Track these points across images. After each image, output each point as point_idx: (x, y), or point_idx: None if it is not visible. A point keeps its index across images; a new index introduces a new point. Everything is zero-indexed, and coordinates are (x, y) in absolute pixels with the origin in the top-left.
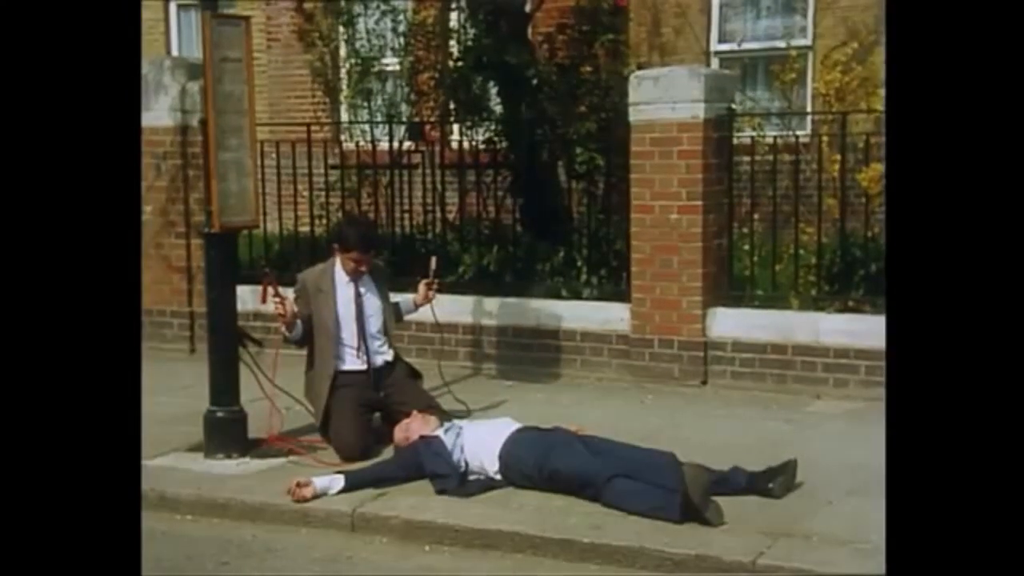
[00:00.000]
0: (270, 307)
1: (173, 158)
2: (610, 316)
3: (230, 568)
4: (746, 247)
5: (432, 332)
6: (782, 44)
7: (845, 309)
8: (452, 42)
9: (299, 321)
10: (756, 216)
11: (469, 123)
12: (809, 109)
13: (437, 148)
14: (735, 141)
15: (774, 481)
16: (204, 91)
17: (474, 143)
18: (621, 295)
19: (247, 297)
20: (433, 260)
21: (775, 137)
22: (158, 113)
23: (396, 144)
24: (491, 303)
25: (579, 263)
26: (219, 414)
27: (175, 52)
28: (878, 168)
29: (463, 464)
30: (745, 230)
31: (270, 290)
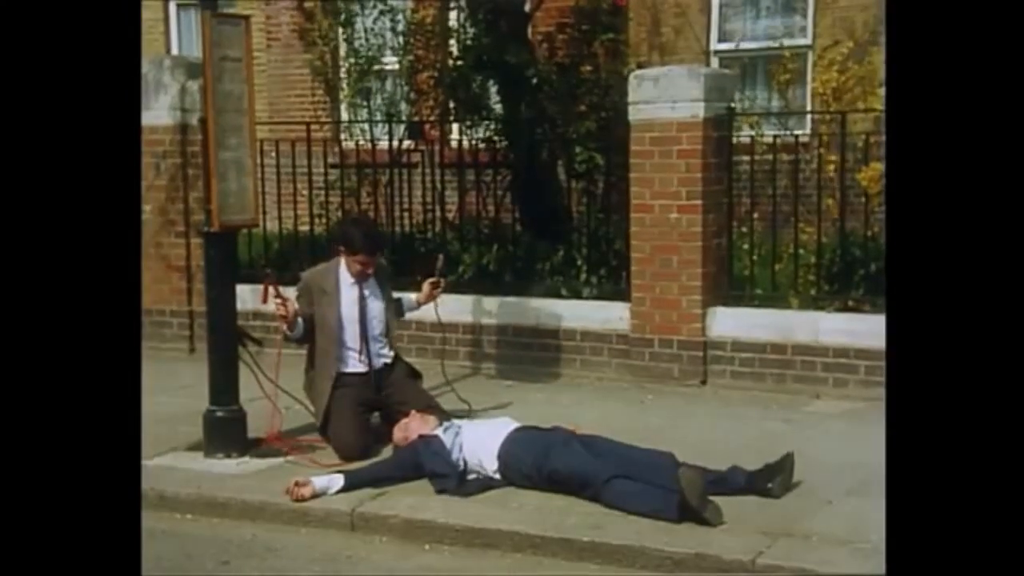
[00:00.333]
0: (271, 307)
1: (173, 157)
2: (610, 315)
3: (230, 567)
4: (746, 247)
5: (432, 332)
6: (781, 44)
7: (845, 309)
8: (452, 41)
9: (300, 320)
10: (756, 215)
11: (469, 122)
12: (808, 108)
13: (437, 147)
14: (735, 140)
15: (773, 480)
16: (204, 90)
17: (474, 142)
18: (621, 294)
19: (247, 296)
20: (440, 258)
21: (774, 136)
22: (158, 112)
23: (396, 143)
24: (491, 302)
25: (579, 262)
26: (219, 413)
27: (175, 51)
28: (878, 167)
29: (462, 463)
30: (745, 229)
31: (271, 290)
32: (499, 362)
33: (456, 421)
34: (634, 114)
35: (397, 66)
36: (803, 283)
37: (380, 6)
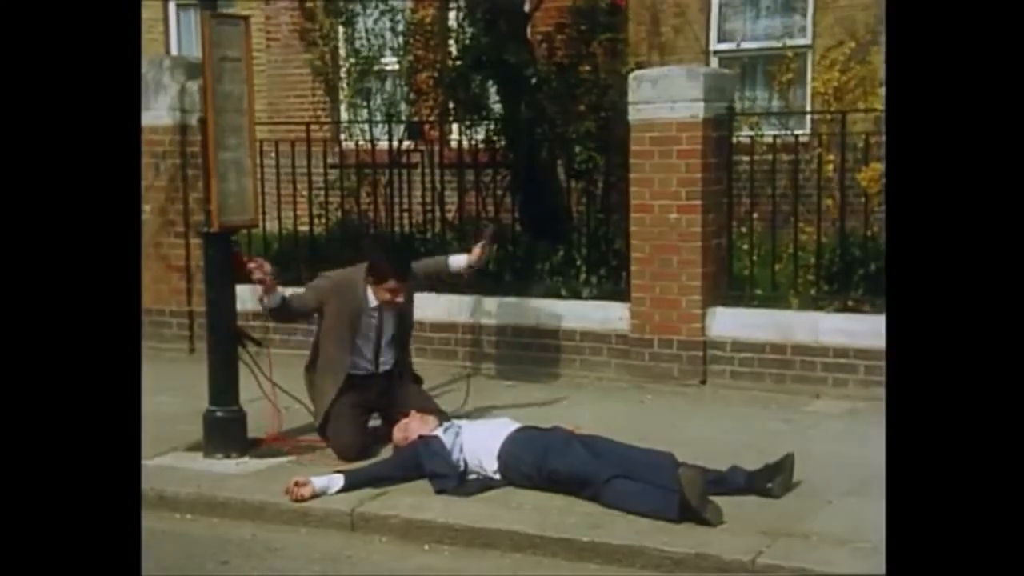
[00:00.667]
0: (254, 275)
1: (172, 157)
2: (609, 315)
3: (230, 567)
4: (745, 247)
5: (433, 332)
6: (781, 44)
7: (844, 309)
8: (451, 41)
9: (281, 292)
10: (755, 215)
11: (468, 122)
12: (808, 108)
13: (436, 147)
14: (734, 140)
15: (773, 480)
16: (203, 90)
17: (473, 142)
18: (620, 294)
19: (246, 296)
20: (491, 228)
21: (774, 136)
22: (157, 112)
23: (395, 143)
24: (490, 302)
25: (578, 262)
26: (218, 414)
27: (174, 51)
28: (877, 167)
29: (462, 464)
30: (744, 229)
31: (245, 261)
32: (499, 362)
33: (456, 421)
34: (634, 114)
35: (397, 66)
36: (803, 283)
37: (380, 6)
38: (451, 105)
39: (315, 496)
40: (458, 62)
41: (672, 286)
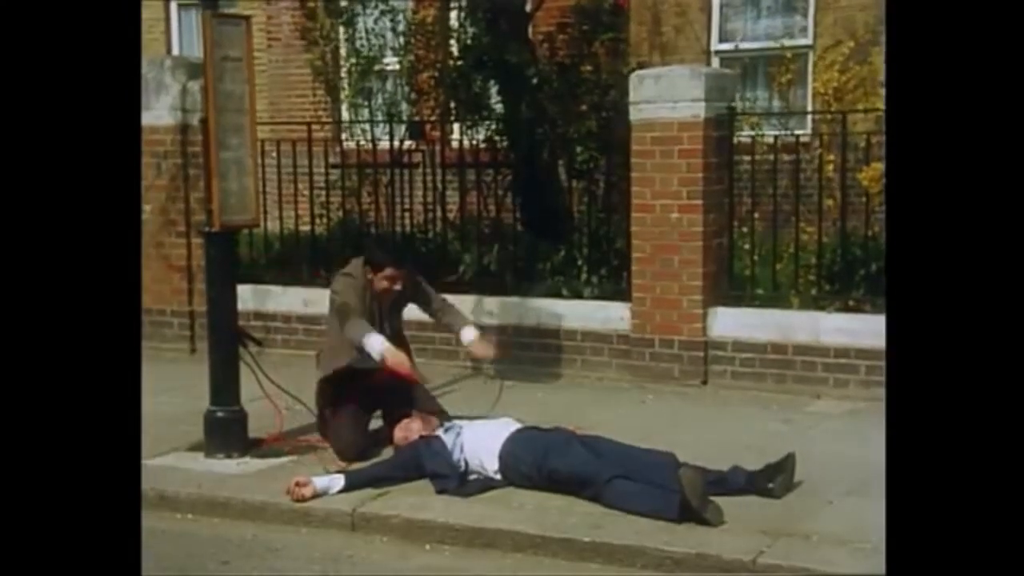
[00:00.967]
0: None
1: (173, 157)
2: (610, 315)
3: (230, 567)
4: (746, 246)
5: (433, 332)
6: (782, 44)
7: (845, 308)
8: (452, 41)
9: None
10: (756, 215)
11: (469, 122)
12: (809, 108)
13: (437, 147)
14: (735, 140)
15: (774, 480)
16: (205, 90)
17: (474, 142)
18: (621, 294)
19: (247, 296)
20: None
21: (775, 136)
22: (158, 112)
23: (396, 143)
24: (491, 302)
25: (580, 262)
26: (219, 413)
27: (175, 51)
28: (878, 167)
29: (463, 464)
30: (745, 229)
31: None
32: (499, 362)
33: (457, 422)
34: (635, 114)
35: (398, 66)
36: (804, 283)
37: (381, 6)
38: (452, 105)
39: (316, 496)
40: (459, 62)
41: (673, 286)
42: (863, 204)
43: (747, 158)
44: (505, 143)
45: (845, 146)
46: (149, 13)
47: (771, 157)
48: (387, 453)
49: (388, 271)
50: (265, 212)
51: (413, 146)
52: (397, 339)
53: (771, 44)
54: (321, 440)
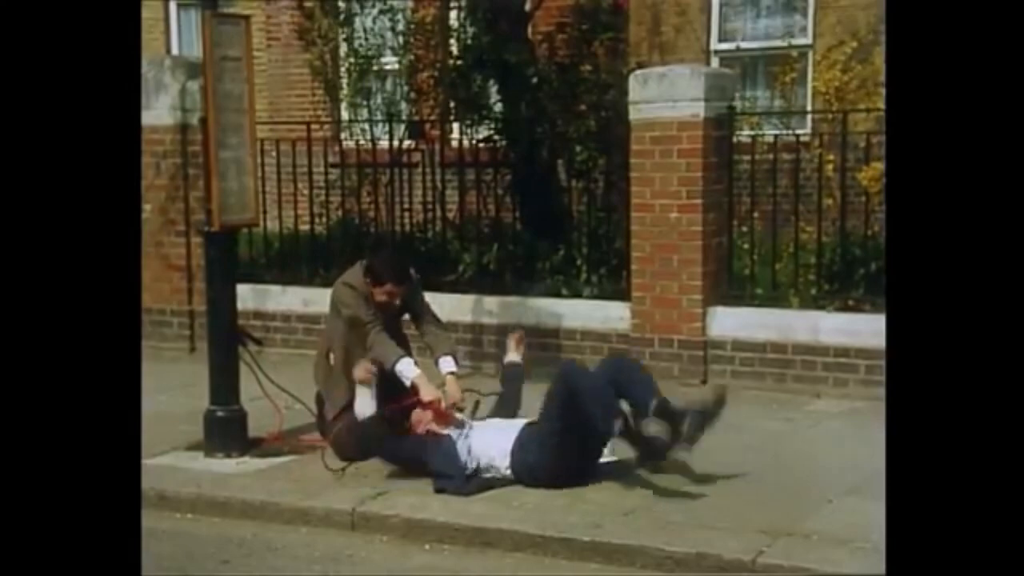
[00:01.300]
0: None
1: (173, 157)
2: (610, 315)
3: (231, 567)
4: (746, 246)
5: None
6: (782, 43)
7: (845, 308)
8: (452, 41)
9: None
10: (756, 215)
11: (469, 122)
12: (809, 108)
13: (437, 147)
14: (735, 140)
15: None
16: (204, 90)
17: (474, 142)
18: (621, 294)
19: (247, 296)
20: (477, 401)
21: (775, 136)
22: (158, 112)
23: (396, 143)
24: (491, 302)
25: (579, 262)
26: (219, 413)
27: (175, 51)
28: (878, 167)
29: (470, 465)
30: (745, 229)
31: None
32: (499, 362)
33: (468, 422)
34: (634, 113)
35: (397, 66)
36: (803, 282)
37: (380, 5)
38: (452, 104)
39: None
40: (459, 61)
41: (673, 285)
42: (863, 204)
43: (747, 158)
44: (505, 143)
45: (845, 146)
46: (149, 13)
47: (771, 157)
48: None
49: (388, 287)
50: (265, 212)
51: (413, 146)
52: (398, 341)
53: (771, 44)
54: (321, 440)
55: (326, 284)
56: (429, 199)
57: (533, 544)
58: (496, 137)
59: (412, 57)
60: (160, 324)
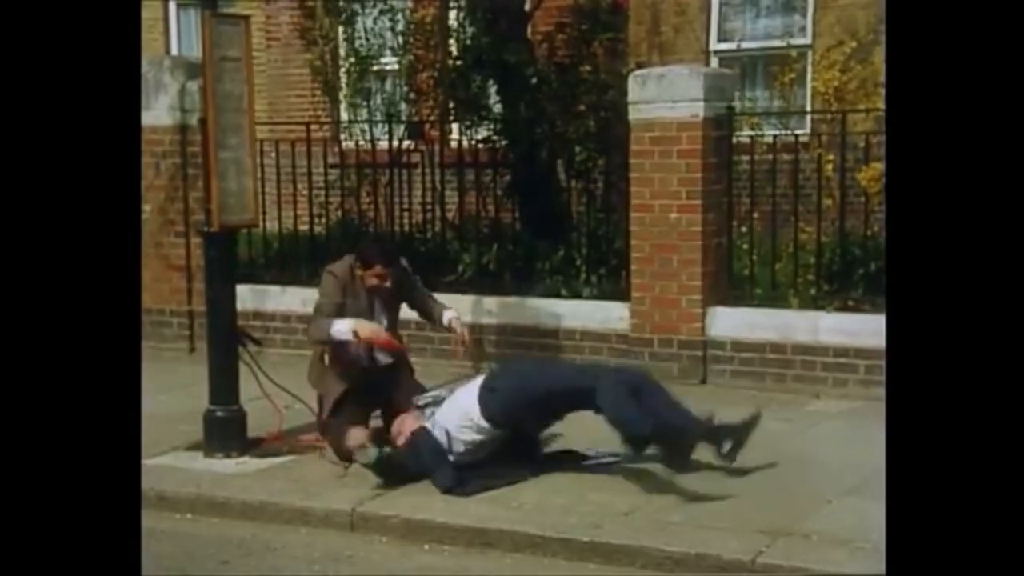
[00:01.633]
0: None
1: (173, 157)
2: (609, 315)
3: (230, 567)
4: (745, 246)
5: (432, 332)
6: (781, 43)
7: (844, 308)
8: (451, 41)
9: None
10: (755, 215)
11: (468, 122)
12: (809, 108)
13: (436, 147)
14: (734, 140)
15: (729, 445)
16: (204, 90)
17: (473, 142)
18: (620, 294)
19: (247, 296)
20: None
21: (774, 136)
22: (158, 112)
23: (395, 143)
24: (491, 302)
25: (578, 262)
26: (218, 413)
27: (175, 51)
28: (878, 167)
29: (445, 440)
30: (744, 229)
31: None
32: (499, 362)
33: (432, 398)
34: (634, 114)
35: (397, 66)
36: (803, 283)
37: (380, 6)
38: (451, 105)
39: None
40: (458, 62)
41: (672, 286)
42: (862, 204)
43: (746, 158)
44: (504, 143)
45: (844, 146)
46: (148, 13)
47: (770, 157)
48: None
49: (377, 268)
50: (264, 212)
51: (412, 146)
52: (391, 326)
53: (770, 44)
54: (321, 440)
55: None
56: (428, 200)
57: (532, 544)
58: (495, 137)
59: (412, 57)
60: (160, 324)
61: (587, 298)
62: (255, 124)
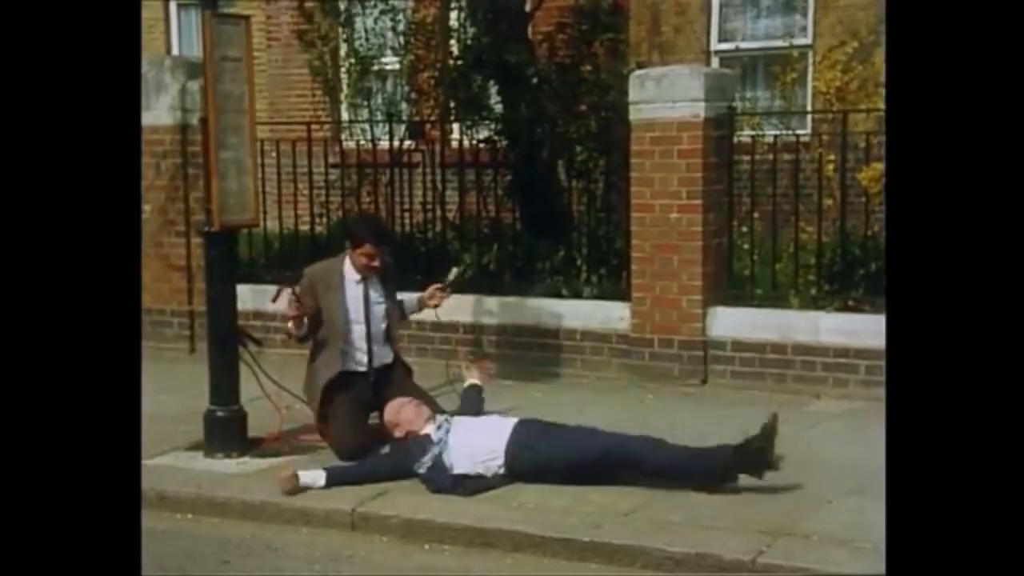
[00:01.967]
0: (280, 306)
1: (173, 157)
2: (610, 315)
3: (230, 567)
4: (746, 246)
5: (432, 332)
6: (782, 43)
7: (845, 308)
8: (452, 41)
9: (305, 319)
10: (756, 215)
11: (469, 122)
12: (809, 108)
13: (437, 147)
14: (735, 140)
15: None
16: (204, 90)
17: (474, 142)
18: (621, 294)
19: (247, 296)
20: (453, 271)
21: (775, 136)
22: (158, 112)
23: (396, 143)
24: (491, 302)
25: (579, 262)
26: (219, 413)
27: (175, 51)
28: (878, 167)
29: (449, 463)
30: (745, 229)
31: (286, 293)
32: (499, 362)
33: (449, 418)
34: (634, 114)
35: (397, 66)
36: (803, 283)
37: (380, 6)
38: (452, 105)
39: (301, 490)
40: (459, 62)
41: (672, 286)
42: (863, 204)
43: (747, 158)
44: (505, 143)
45: (845, 146)
46: (149, 13)
47: (771, 157)
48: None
49: (366, 248)
50: (265, 212)
51: (413, 146)
52: (388, 327)
53: (771, 44)
54: (320, 440)
55: None
56: (429, 199)
57: (533, 544)
58: (496, 137)
59: (412, 57)
60: (160, 324)
61: (587, 298)
62: (255, 124)
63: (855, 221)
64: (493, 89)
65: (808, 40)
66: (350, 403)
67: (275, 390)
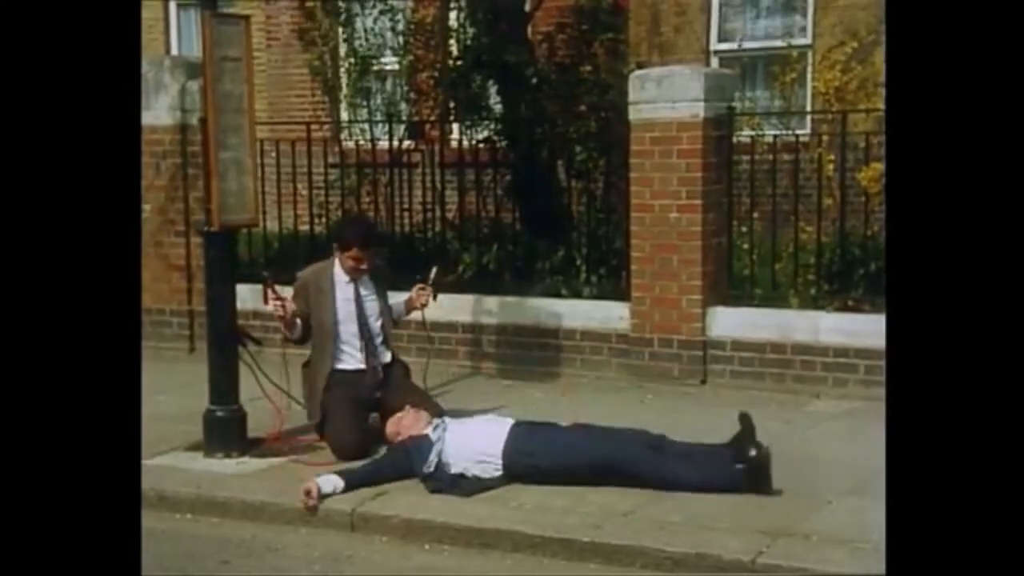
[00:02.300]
0: (271, 308)
1: (173, 157)
2: (610, 315)
3: (230, 567)
4: (745, 246)
5: (432, 331)
6: (782, 43)
7: (844, 308)
8: (451, 41)
9: (298, 321)
10: (756, 215)
11: (468, 122)
12: (809, 108)
13: (437, 147)
14: (735, 140)
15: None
16: (204, 90)
17: (474, 142)
18: (621, 294)
19: (247, 296)
20: (434, 270)
21: (775, 136)
22: (158, 112)
23: (396, 143)
24: (491, 302)
25: (579, 262)
26: (219, 413)
27: (175, 51)
28: (878, 167)
29: (448, 464)
30: (744, 229)
31: (270, 292)
32: (499, 362)
33: (445, 419)
34: (634, 114)
35: (397, 66)
36: (803, 283)
37: (380, 6)
38: (451, 105)
39: (324, 498)
40: (459, 62)
41: (672, 286)
42: (862, 204)
43: (746, 158)
44: (504, 143)
45: (845, 146)
46: (149, 13)
47: (770, 157)
48: (384, 451)
49: (353, 251)
50: (264, 212)
51: (412, 146)
52: (384, 326)
53: (771, 44)
54: (320, 440)
55: None
56: (429, 199)
57: (532, 545)
58: (496, 138)
59: (412, 57)
60: (160, 324)
61: (587, 298)
62: (255, 124)
63: (855, 221)
64: (493, 89)
65: (808, 40)
66: (349, 403)
67: (274, 390)
